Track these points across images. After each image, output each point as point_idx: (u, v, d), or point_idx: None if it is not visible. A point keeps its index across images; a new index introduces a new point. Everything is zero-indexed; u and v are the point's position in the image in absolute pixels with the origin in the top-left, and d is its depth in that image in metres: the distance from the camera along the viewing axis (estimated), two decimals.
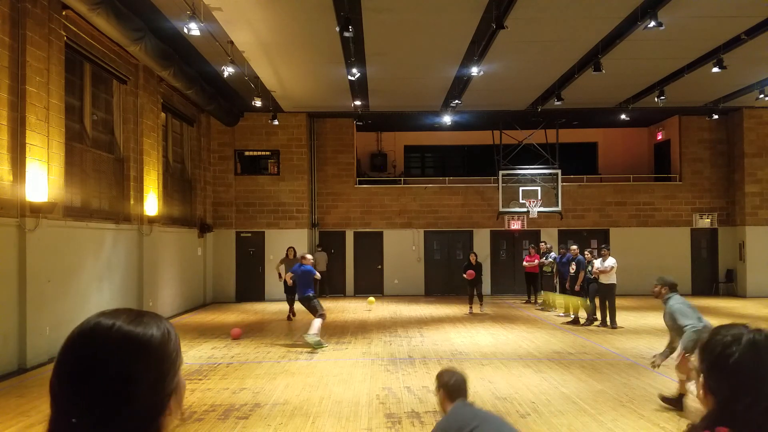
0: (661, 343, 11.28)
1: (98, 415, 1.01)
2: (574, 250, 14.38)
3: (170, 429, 1.10)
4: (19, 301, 9.20)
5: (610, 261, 13.09)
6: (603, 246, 14.04)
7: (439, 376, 4.04)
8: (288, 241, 19.39)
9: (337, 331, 13.01)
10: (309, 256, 10.65)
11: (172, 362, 1.11)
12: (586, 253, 14.39)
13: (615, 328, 13.04)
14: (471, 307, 15.84)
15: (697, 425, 1.35)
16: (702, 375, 1.38)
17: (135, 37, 11.30)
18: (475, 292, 15.71)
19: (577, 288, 13.76)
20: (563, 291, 15.33)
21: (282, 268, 15.10)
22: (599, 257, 13.55)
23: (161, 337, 1.10)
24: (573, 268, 14.04)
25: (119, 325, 1.07)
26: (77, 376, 1.02)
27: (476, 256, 15.99)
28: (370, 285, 20.64)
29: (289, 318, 14.87)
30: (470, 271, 15.43)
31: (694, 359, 1.43)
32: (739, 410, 1.27)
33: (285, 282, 13.48)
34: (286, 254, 15.65)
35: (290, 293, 14.27)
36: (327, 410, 7.04)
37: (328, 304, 18.23)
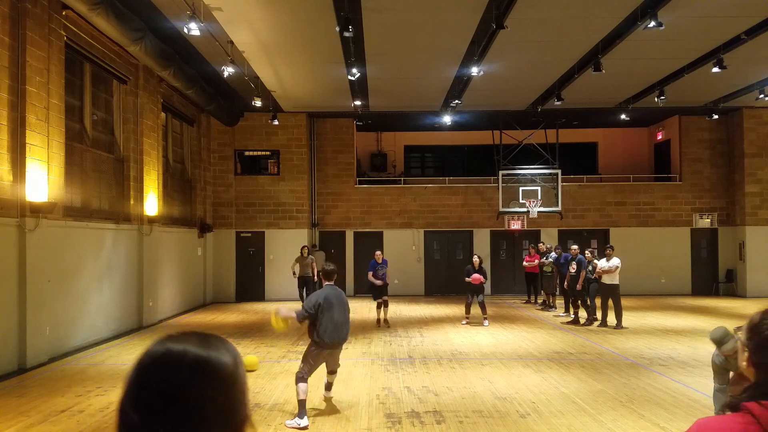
0: (661, 343, 11.31)
1: None
2: (574, 249, 14.38)
3: None
4: (19, 301, 9.20)
5: (615, 261, 13.07)
6: (607, 246, 14.01)
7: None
8: (288, 241, 19.43)
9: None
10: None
11: (242, 386, 1.10)
12: (586, 252, 14.38)
13: (621, 328, 13.00)
14: (467, 317, 14.01)
15: (742, 396, 1.50)
16: (748, 351, 1.54)
17: (135, 37, 11.30)
18: (476, 299, 13.72)
19: (578, 287, 13.74)
20: (563, 291, 15.34)
21: (297, 267, 15.99)
22: (603, 257, 13.53)
23: (232, 362, 1.09)
24: (573, 267, 14.02)
25: (191, 350, 1.06)
26: (152, 403, 1.01)
27: (480, 259, 14.04)
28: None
29: None
30: (476, 275, 13.54)
31: (741, 335, 1.58)
32: None
33: (299, 278, 15.65)
34: (301, 253, 16.25)
35: (302, 288, 15.69)
36: (327, 410, 7.04)
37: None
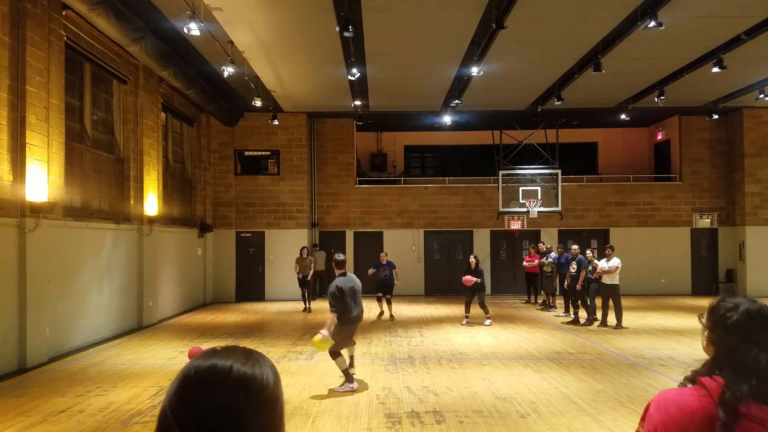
0: (661, 343, 11.31)
1: None
2: (575, 249, 14.37)
3: None
4: (19, 301, 9.20)
5: (615, 261, 13.06)
6: (607, 246, 14.01)
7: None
8: (288, 241, 19.43)
9: None
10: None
11: (281, 403, 1.12)
12: (587, 252, 14.38)
13: (621, 328, 12.99)
14: (467, 317, 13.93)
15: (701, 371, 1.70)
16: (708, 330, 1.74)
17: (135, 37, 11.30)
18: (475, 300, 13.64)
19: (578, 287, 13.74)
20: (563, 291, 15.33)
21: (297, 267, 16.91)
22: (603, 257, 13.52)
23: (273, 379, 1.11)
24: (574, 267, 14.02)
25: (237, 367, 1.07)
26: (195, 419, 1.03)
27: (477, 259, 13.75)
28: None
29: (308, 310, 16.70)
30: (467, 277, 13.40)
31: (703, 320, 1.78)
32: (735, 359, 1.63)
33: (301, 278, 16.63)
34: (300, 254, 17.05)
35: (304, 286, 16.76)
36: (327, 410, 7.04)
37: (328, 304, 18.23)
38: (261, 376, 1.09)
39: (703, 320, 1.79)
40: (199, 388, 1.06)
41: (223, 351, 1.12)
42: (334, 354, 7.79)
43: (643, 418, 1.79)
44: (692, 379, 1.70)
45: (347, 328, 7.99)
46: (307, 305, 16.84)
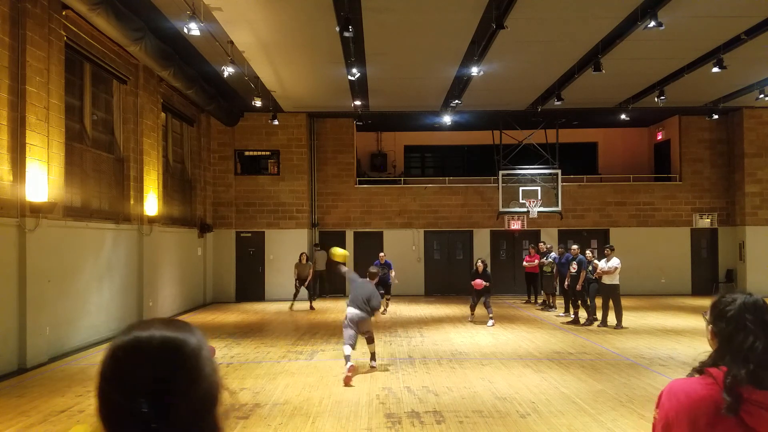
0: (661, 343, 11.31)
1: (159, 417, 1.07)
2: (575, 249, 14.37)
3: (227, 420, 1.18)
4: (19, 301, 9.20)
5: (614, 261, 13.06)
6: (607, 246, 14.00)
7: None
8: (288, 241, 19.43)
9: (337, 331, 12.98)
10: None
11: (208, 358, 1.17)
12: (587, 252, 14.38)
13: (621, 328, 12.99)
14: (472, 314, 14.43)
15: (707, 361, 1.86)
16: (711, 324, 1.91)
17: (135, 37, 11.30)
18: (481, 301, 13.99)
19: (578, 288, 13.73)
20: (563, 291, 15.33)
21: (295, 271, 17.36)
22: (603, 257, 13.52)
23: (196, 339, 1.17)
24: (574, 267, 14.01)
25: (157, 334, 1.14)
26: (129, 388, 1.08)
27: (484, 264, 14.05)
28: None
29: (292, 308, 17.07)
30: (477, 281, 13.71)
31: (707, 316, 1.97)
32: (733, 347, 1.80)
33: (297, 279, 17.18)
34: (299, 259, 17.44)
35: (298, 288, 17.21)
36: (327, 410, 7.04)
37: (328, 304, 18.26)
38: (183, 339, 1.14)
39: (707, 316, 1.95)
40: (126, 362, 1.10)
41: (142, 323, 1.17)
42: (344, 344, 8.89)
43: (657, 406, 1.92)
44: (699, 369, 1.87)
45: (346, 323, 9.03)
46: (293, 304, 17.26)
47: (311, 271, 17.28)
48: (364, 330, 9.08)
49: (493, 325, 13.63)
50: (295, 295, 17.25)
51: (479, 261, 14.23)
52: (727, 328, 1.84)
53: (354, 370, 8.47)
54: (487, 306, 13.90)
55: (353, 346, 8.82)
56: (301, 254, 17.56)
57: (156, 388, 1.08)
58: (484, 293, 13.87)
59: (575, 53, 13.84)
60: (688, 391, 1.83)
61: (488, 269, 14.20)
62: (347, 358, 8.55)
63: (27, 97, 9.34)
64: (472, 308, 14.36)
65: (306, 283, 17.11)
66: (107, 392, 1.11)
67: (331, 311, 16.68)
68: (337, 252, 10.00)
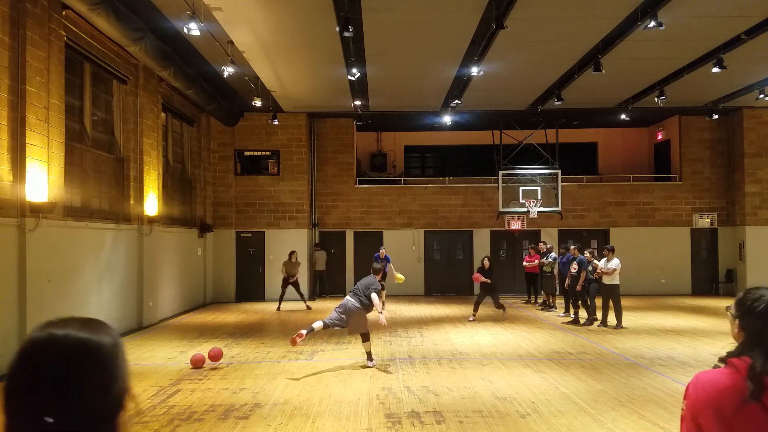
0: (661, 343, 11.31)
1: (59, 417, 1.08)
2: (573, 249, 14.35)
3: (128, 425, 1.19)
4: (19, 301, 9.20)
5: (614, 262, 13.05)
6: (605, 247, 14.00)
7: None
8: (288, 241, 19.43)
9: (337, 331, 12.97)
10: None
11: (121, 364, 1.20)
12: (586, 253, 14.38)
13: (621, 328, 12.98)
14: (474, 314, 14.58)
15: (732, 353, 1.96)
16: (737, 319, 1.99)
17: (135, 37, 11.30)
18: (488, 301, 14.58)
19: (578, 288, 13.72)
20: (563, 291, 15.34)
21: (284, 269, 17.24)
22: (602, 257, 13.51)
23: (111, 342, 1.18)
24: (575, 267, 14.00)
25: (72, 334, 1.14)
26: (41, 384, 1.10)
27: (489, 262, 14.68)
28: None
29: (279, 309, 17.04)
30: (477, 274, 14.64)
31: (731, 310, 2.06)
32: (763, 340, 1.90)
33: (283, 278, 17.06)
34: (289, 258, 17.33)
35: (285, 287, 17.11)
36: (327, 410, 7.04)
37: (328, 304, 18.26)
38: (98, 341, 1.15)
39: (732, 311, 2.04)
40: (38, 357, 1.12)
41: (60, 321, 1.18)
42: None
43: (684, 398, 2.00)
44: (724, 360, 1.97)
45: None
46: (280, 305, 17.20)
47: (298, 269, 17.29)
48: (355, 322, 9.22)
49: (505, 319, 14.39)
50: (282, 296, 17.20)
51: (485, 258, 14.88)
52: (756, 323, 1.93)
53: (302, 337, 8.95)
54: (498, 306, 14.42)
55: (326, 325, 9.28)
56: (291, 252, 17.53)
57: (63, 388, 1.09)
58: (490, 291, 14.30)
59: (575, 53, 13.84)
60: (713, 381, 1.92)
61: (493, 267, 14.75)
62: (310, 329, 9.14)
63: (27, 97, 9.34)
64: (476, 307, 14.59)
65: (294, 279, 17.05)
66: (12, 386, 1.12)
67: (330, 311, 16.64)
68: (399, 277, 12.59)
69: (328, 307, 17.46)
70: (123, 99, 13.43)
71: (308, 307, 17.14)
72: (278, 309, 16.96)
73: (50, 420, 1.07)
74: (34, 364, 1.12)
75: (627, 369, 9.14)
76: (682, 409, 1.99)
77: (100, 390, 1.14)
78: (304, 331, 9.02)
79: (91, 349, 1.14)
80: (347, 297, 9.38)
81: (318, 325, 9.24)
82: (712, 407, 1.88)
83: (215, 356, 9.56)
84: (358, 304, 9.20)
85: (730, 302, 2.10)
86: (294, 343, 8.96)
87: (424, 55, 13.81)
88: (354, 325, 9.29)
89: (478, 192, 21.10)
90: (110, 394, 1.15)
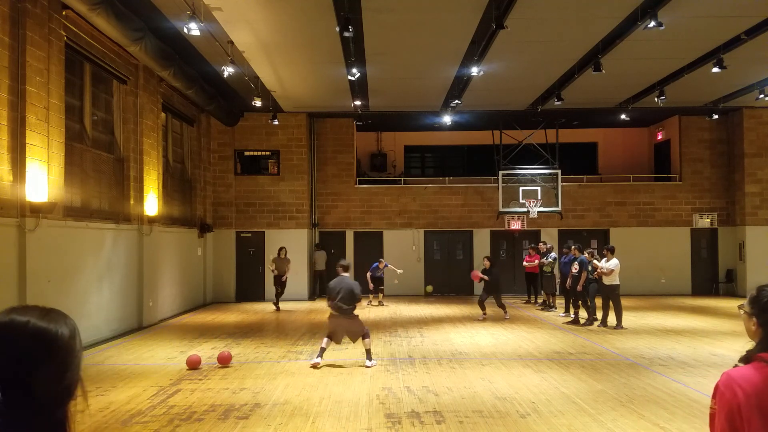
0: (661, 343, 11.31)
1: (10, 400, 1.11)
2: (574, 250, 14.34)
3: (76, 414, 1.22)
4: (19, 301, 9.19)
5: (613, 262, 13.05)
6: (605, 246, 13.99)
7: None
8: (288, 241, 19.42)
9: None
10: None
11: (76, 355, 1.24)
12: (585, 253, 14.36)
13: (621, 329, 12.97)
14: (484, 313, 14.84)
15: (754, 350, 2.00)
16: (754, 317, 2.04)
17: (135, 37, 11.30)
18: (491, 302, 14.77)
19: (579, 288, 13.70)
20: (563, 291, 15.33)
21: (274, 265, 17.23)
22: (602, 258, 13.51)
23: (69, 333, 1.24)
24: (576, 268, 13.98)
25: (33, 321, 1.20)
26: None
27: (491, 261, 14.98)
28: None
29: (277, 309, 16.98)
30: (475, 272, 15.16)
31: (745, 308, 2.10)
32: None
33: (275, 276, 16.98)
34: (278, 253, 17.45)
35: (279, 287, 17.14)
36: (327, 410, 7.04)
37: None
38: (56, 331, 1.22)
39: (747, 309, 2.09)
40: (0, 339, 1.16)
41: (22, 308, 1.24)
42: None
43: (714, 397, 1.99)
44: (748, 357, 2.02)
45: (331, 314, 9.70)
46: (278, 304, 17.08)
47: (289, 266, 17.23)
48: (356, 326, 9.46)
49: (508, 318, 14.65)
50: (278, 295, 17.08)
51: (485, 258, 15.20)
52: None
53: (318, 366, 9.20)
54: (500, 306, 14.68)
55: (330, 339, 9.55)
56: (280, 248, 17.57)
57: (20, 371, 1.13)
58: (491, 292, 14.61)
59: (575, 53, 13.84)
60: (747, 377, 1.94)
61: (495, 269, 15.00)
62: (321, 350, 9.46)
63: (27, 97, 9.34)
64: (481, 306, 14.88)
65: (284, 277, 17.02)
66: None
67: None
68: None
69: (327, 308, 17.43)
70: (123, 99, 13.43)
71: (277, 309, 16.86)
72: (277, 309, 16.86)
73: (1, 398, 1.10)
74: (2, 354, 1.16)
75: (627, 369, 9.14)
76: (712, 408, 1.98)
77: (54, 377, 1.17)
78: (318, 359, 9.32)
79: (48, 338, 1.19)
80: (340, 305, 9.41)
81: (326, 342, 9.50)
82: (755, 403, 1.88)
83: (224, 359, 9.53)
84: (351, 309, 9.41)
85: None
86: (315, 367, 9.20)
87: (424, 55, 13.81)
88: (356, 330, 9.48)
89: (478, 192, 21.10)
90: (63, 382, 1.19)
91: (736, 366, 2.01)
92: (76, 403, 1.22)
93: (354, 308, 9.52)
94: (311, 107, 19.39)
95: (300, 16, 11.54)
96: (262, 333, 12.95)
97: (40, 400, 1.16)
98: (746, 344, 2.13)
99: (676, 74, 15.38)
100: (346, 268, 9.79)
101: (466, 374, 8.86)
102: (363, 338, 9.46)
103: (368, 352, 9.45)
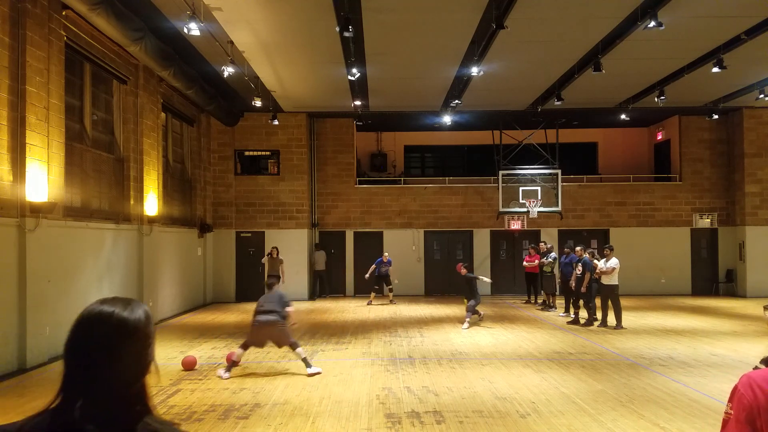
0: (661, 343, 11.31)
1: (97, 375, 1.40)
2: (579, 251, 14.29)
3: (150, 385, 1.50)
4: (19, 301, 9.20)
5: (613, 262, 13.05)
6: (606, 246, 13.99)
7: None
8: (288, 241, 19.44)
9: (337, 331, 13.01)
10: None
11: (151, 339, 1.51)
12: (586, 253, 14.34)
13: (620, 329, 12.96)
14: (479, 315, 14.22)
15: None
16: None
17: (135, 37, 11.30)
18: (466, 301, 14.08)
19: (583, 289, 13.65)
20: (563, 291, 15.33)
21: (266, 265, 17.41)
22: (602, 257, 13.50)
23: (145, 321, 1.49)
24: (579, 269, 13.94)
25: (116, 312, 1.45)
26: (87, 348, 1.42)
27: (466, 267, 14.19)
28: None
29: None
30: (459, 265, 14.33)
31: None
32: None
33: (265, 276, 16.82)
34: (269, 254, 17.55)
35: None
36: (327, 410, 7.04)
37: (328, 304, 18.27)
38: (135, 320, 1.46)
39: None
40: (89, 327, 1.44)
41: (110, 300, 1.50)
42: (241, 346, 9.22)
43: (730, 400, 1.92)
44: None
45: (252, 327, 9.16)
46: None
47: (282, 266, 17.15)
48: (284, 334, 8.89)
49: (466, 328, 13.20)
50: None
51: (460, 263, 14.56)
52: None
53: (227, 373, 8.80)
54: (472, 308, 13.71)
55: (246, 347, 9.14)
56: (272, 248, 17.65)
57: (109, 352, 1.40)
58: (470, 297, 13.71)
59: (575, 53, 13.84)
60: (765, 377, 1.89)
61: (472, 273, 14.36)
62: (233, 364, 9.02)
63: (27, 97, 9.34)
64: (473, 311, 14.03)
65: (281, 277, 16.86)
66: (71, 344, 1.44)
67: (330, 311, 16.68)
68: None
69: (328, 308, 17.49)
70: (123, 99, 13.43)
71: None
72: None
73: (98, 374, 1.39)
74: (87, 331, 1.44)
75: (627, 369, 9.14)
76: (727, 413, 1.93)
77: (135, 357, 1.44)
78: (223, 373, 8.74)
79: (130, 326, 1.45)
80: (263, 317, 8.88)
81: (239, 352, 9.06)
82: None
83: (189, 363, 9.33)
84: (280, 318, 8.88)
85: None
86: (228, 361, 9.08)
87: (424, 55, 13.81)
88: (283, 337, 8.90)
89: (478, 192, 21.10)
90: (140, 361, 1.46)
91: (756, 368, 1.97)
92: (150, 377, 1.49)
93: (283, 318, 8.95)
94: (311, 107, 19.39)
95: (300, 16, 11.54)
96: None
97: (122, 376, 1.41)
98: (752, 347, 2.17)
99: (676, 74, 15.38)
100: (270, 287, 9.43)
101: (466, 374, 8.86)
102: (293, 349, 8.91)
103: (305, 360, 8.91)
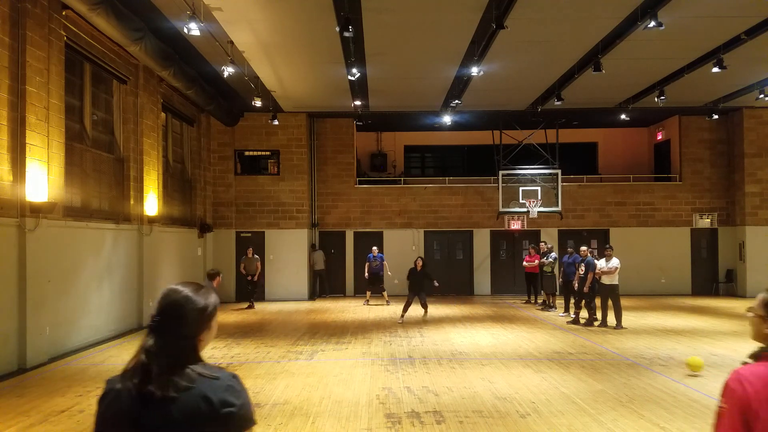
0: (661, 343, 11.31)
1: (168, 329, 1.95)
2: (584, 251, 14.25)
3: (207, 343, 2.07)
4: (19, 301, 9.20)
5: (614, 262, 13.04)
6: (607, 246, 13.98)
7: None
8: (288, 241, 19.44)
9: (337, 331, 13.01)
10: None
11: (212, 314, 2.06)
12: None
13: (620, 329, 12.96)
14: (402, 316, 14.67)
15: (765, 347, 2.05)
16: (766, 319, 2.10)
17: (135, 37, 11.30)
18: (415, 300, 14.61)
19: (586, 290, 13.63)
20: (564, 291, 15.32)
21: (243, 265, 17.57)
22: (603, 257, 13.50)
23: (204, 302, 2.02)
24: (582, 269, 13.91)
25: (186, 293, 2.00)
26: (165, 313, 1.97)
27: (423, 261, 14.65)
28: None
29: (251, 306, 17.48)
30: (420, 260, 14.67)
31: (755, 310, 2.13)
32: None
33: (247, 277, 17.31)
34: (246, 253, 17.76)
35: (251, 286, 17.60)
36: (327, 410, 7.04)
37: (328, 304, 18.27)
38: (199, 298, 2.00)
39: (760, 312, 2.11)
40: (167, 297, 1.99)
41: (185, 283, 2.07)
42: None
43: (722, 395, 2.00)
44: (757, 355, 2.07)
45: None
46: (252, 303, 17.55)
47: (258, 264, 17.37)
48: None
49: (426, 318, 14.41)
50: (250, 293, 17.52)
51: (418, 258, 14.84)
52: None
53: None
54: (423, 305, 14.76)
55: None
56: (248, 248, 17.86)
57: (175, 320, 1.95)
58: (418, 290, 14.44)
59: (575, 53, 13.84)
60: (759, 374, 1.97)
61: (427, 269, 14.76)
62: None
63: (27, 97, 9.34)
64: (405, 308, 14.74)
65: (255, 277, 17.23)
66: (159, 315, 1.97)
67: (330, 311, 16.68)
68: (695, 364, 8.63)
69: (328, 308, 17.49)
70: (123, 99, 13.43)
71: (251, 306, 17.39)
72: (249, 306, 17.29)
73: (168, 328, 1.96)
74: (167, 305, 1.97)
75: (627, 369, 9.14)
76: (721, 407, 1.98)
77: (196, 323, 1.98)
78: None
79: (195, 303, 1.99)
80: None
81: None
82: (764, 397, 1.91)
83: None
84: None
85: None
86: None
87: (424, 55, 13.81)
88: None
89: (478, 192, 21.10)
90: (202, 326, 2.01)
91: (744, 364, 2.03)
92: (208, 337, 2.06)
93: None
94: (311, 107, 19.38)
95: (300, 16, 11.54)
96: (262, 333, 12.95)
97: (186, 332, 1.96)
98: (751, 346, 2.16)
99: (676, 74, 15.38)
100: (212, 277, 9.44)
101: (466, 374, 8.86)
102: None
103: None
